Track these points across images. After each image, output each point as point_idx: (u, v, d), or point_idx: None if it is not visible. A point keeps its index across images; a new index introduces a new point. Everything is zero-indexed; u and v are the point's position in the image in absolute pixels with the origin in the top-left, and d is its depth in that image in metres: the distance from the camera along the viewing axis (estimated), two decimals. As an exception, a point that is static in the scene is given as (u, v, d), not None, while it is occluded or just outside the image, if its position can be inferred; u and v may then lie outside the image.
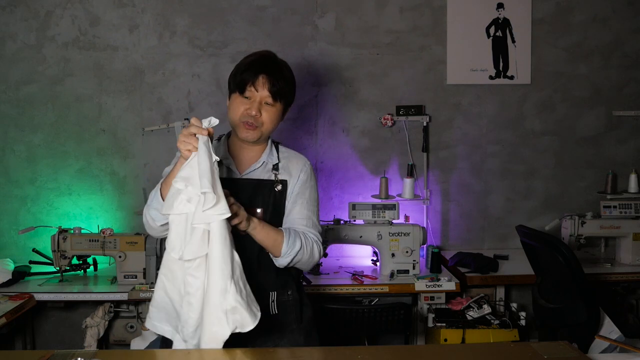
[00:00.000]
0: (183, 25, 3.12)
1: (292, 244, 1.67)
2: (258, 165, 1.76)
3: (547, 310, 2.50)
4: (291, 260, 1.69)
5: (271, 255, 1.70)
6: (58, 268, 2.78)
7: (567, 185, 3.33)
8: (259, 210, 1.69)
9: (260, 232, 1.63)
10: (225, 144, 1.80)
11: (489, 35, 3.22)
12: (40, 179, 3.12)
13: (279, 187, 1.73)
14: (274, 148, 1.81)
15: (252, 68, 1.70)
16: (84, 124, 3.12)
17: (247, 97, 1.69)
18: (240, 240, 1.58)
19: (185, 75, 3.14)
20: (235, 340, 1.52)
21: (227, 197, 1.48)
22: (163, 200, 1.56)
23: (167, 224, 1.59)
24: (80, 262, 2.88)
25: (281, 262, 1.69)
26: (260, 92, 1.69)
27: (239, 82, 1.70)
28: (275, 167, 1.76)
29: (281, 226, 1.72)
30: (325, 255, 2.86)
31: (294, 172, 1.77)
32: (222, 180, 1.51)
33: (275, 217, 1.72)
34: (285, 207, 1.75)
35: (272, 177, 1.74)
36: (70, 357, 1.42)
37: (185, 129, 1.50)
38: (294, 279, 1.80)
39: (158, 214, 1.59)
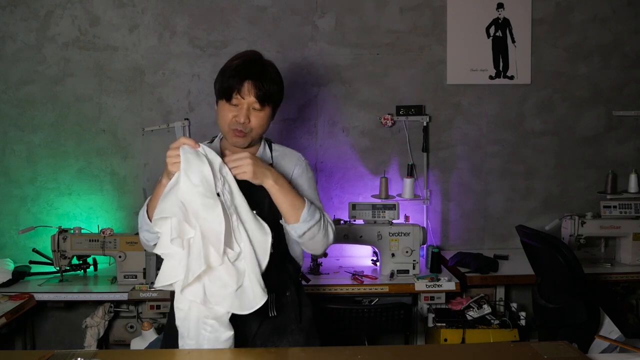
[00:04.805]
0: (183, 25, 3.12)
1: (312, 213, 1.60)
2: None
3: (547, 310, 2.50)
4: (308, 230, 1.59)
5: (286, 225, 1.62)
6: (58, 268, 2.79)
7: (567, 185, 3.33)
8: (254, 212, 1.59)
9: (279, 190, 1.56)
10: (218, 146, 1.78)
11: (489, 35, 3.22)
12: (40, 179, 3.12)
13: None
14: (266, 147, 1.79)
15: (237, 74, 1.64)
16: (84, 124, 3.12)
17: (234, 105, 1.65)
18: None
19: (185, 75, 3.13)
20: (234, 342, 1.53)
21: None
22: (151, 221, 1.56)
23: None
24: (80, 262, 2.89)
25: (298, 229, 1.59)
26: (247, 98, 1.64)
27: (225, 90, 1.65)
28: None
29: (279, 225, 1.65)
30: (325, 255, 2.85)
31: (288, 168, 1.74)
32: None
33: (271, 217, 1.62)
34: None
35: None
36: (70, 357, 1.42)
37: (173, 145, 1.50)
38: (292, 279, 1.76)
39: (150, 235, 1.59)
